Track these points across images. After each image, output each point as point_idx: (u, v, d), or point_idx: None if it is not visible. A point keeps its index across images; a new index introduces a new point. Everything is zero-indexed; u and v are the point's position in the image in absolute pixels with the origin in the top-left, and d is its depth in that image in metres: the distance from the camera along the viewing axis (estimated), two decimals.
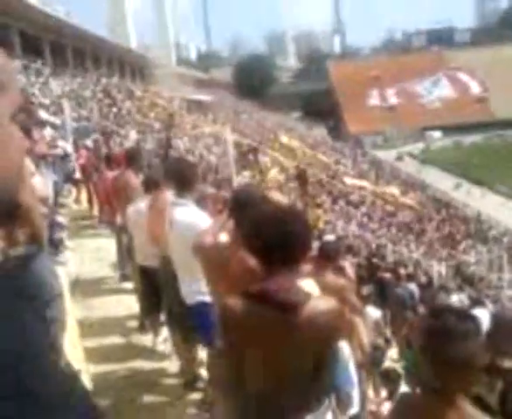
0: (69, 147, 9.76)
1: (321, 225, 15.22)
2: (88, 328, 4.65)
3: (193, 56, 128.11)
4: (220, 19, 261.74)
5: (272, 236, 1.76)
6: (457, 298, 10.43)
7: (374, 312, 5.03)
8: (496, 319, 2.49)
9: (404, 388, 4.37)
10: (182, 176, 3.35)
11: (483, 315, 4.69)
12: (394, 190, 27.37)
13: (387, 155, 52.95)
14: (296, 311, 1.71)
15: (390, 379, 4.55)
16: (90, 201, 9.68)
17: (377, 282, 9.11)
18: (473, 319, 1.58)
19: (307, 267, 3.54)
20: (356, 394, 3.26)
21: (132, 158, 5.35)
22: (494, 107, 71.41)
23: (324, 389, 1.87)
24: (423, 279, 12.17)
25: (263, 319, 1.73)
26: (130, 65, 41.07)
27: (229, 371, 1.90)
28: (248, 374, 1.81)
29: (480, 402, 2.20)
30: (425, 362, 1.62)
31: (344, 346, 3.40)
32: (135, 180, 5.06)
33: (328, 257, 3.64)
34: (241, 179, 15.09)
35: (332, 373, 1.94)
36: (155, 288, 4.18)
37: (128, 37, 43.35)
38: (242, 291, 1.82)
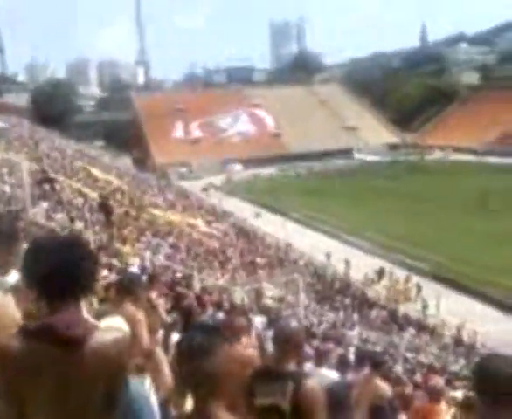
0: None
1: (130, 260, 14.74)
2: None
3: None
4: (16, 42, 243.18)
5: (49, 268, 1.66)
6: (258, 320, 11.08)
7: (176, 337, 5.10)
8: (276, 330, 2.76)
9: None
10: None
11: None
12: (198, 221, 28.13)
13: (192, 186, 54.51)
14: (81, 345, 1.63)
15: None
16: None
17: (183, 310, 9.19)
18: (219, 334, 1.65)
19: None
20: None
21: None
22: (286, 142, 78.90)
23: None
24: (226, 305, 12.63)
25: (44, 358, 1.62)
26: None
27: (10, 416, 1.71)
28: (33, 417, 1.67)
29: (276, 410, 2.33)
30: (179, 380, 1.64)
31: (145, 379, 3.35)
32: None
33: (127, 290, 3.60)
34: (37, 210, 14.00)
35: (124, 406, 1.87)
36: None
37: None
38: (19, 329, 1.68)
